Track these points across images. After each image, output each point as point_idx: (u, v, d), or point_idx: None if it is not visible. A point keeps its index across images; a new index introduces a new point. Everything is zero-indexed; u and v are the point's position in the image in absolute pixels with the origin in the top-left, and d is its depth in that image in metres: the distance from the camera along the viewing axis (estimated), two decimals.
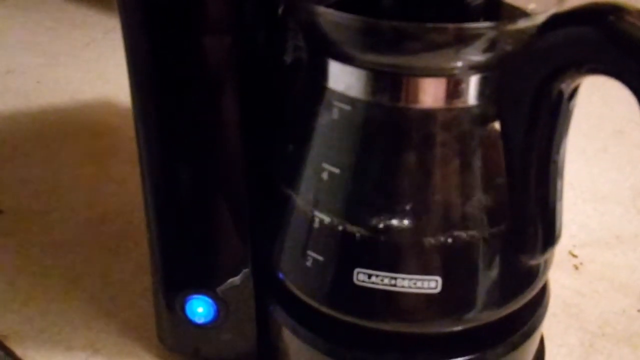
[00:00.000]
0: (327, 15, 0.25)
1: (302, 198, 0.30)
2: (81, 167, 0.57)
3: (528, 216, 0.28)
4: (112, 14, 0.89)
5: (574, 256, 0.47)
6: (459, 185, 0.27)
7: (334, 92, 0.27)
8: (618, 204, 0.53)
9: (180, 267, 0.34)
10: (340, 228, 0.28)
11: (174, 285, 0.34)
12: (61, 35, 0.85)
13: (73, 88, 0.71)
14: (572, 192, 0.54)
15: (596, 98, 0.69)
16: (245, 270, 0.33)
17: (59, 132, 0.63)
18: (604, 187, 0.55)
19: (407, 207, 0.27)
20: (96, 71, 0.75)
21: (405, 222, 0.27)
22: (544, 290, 0.34)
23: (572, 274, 0.45)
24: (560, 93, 0.25)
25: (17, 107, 0.67)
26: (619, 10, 0.22)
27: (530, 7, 0.28)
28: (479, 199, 0.28)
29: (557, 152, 0.27)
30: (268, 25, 0.31)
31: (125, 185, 0.54)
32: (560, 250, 0.33)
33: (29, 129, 0.63)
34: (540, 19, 0.24)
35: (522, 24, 0.24)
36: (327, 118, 0.28)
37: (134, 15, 0.28)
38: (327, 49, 0.27)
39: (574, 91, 0.25)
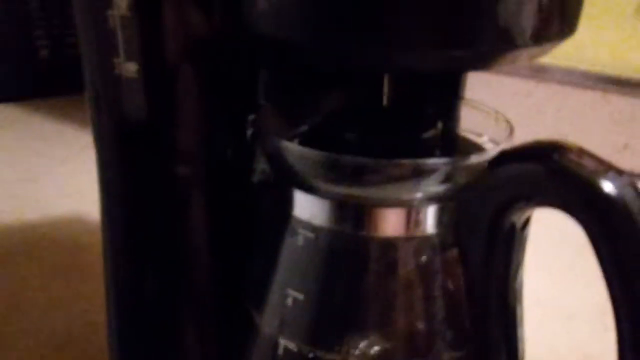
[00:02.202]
0: (291, 149, 0.27)
1: (268, 323, 0.30)
2: (44, 284, 0.56)
3: (491, 342, 0.28)
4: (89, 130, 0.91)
5: None
6: (423, 311, 0.28)
7: (298, 219, 0.28)
8: (585, 321, 0.53)
9: None
10: (304, 354, 0.28)
11: None
12: (40, 152, 0.86)
13: (46, 204, 0.71)
14: (540, 309, 0.54)
15: (559, 215, 0.70)
16: None
17: (25, 248, 0.62)
18: (571, 304, 0.56)
19: (371, 334, 0.27)
20: (72, 187, 0.76)
21: (368, 348, 0.27)
22: None
23: None
24: (513, 224, 0.26)
25: None
26: (561, 147, 0.23)
27: (482, 139, 0.29)
28: (443, 324, 0.28)
29: (515, 279, 0.28)
30: (237, 147, 0.32)
31: (91, 302, 0.53)
32: None
33: None
34: (490, 154, 0.25)
35: (474, 159, 0.25)
36: (293, 244, 0.29)
37: (108, 143, 0.29)
38: (292, 178, 0.28)
39: (527, 221, 0.27)
